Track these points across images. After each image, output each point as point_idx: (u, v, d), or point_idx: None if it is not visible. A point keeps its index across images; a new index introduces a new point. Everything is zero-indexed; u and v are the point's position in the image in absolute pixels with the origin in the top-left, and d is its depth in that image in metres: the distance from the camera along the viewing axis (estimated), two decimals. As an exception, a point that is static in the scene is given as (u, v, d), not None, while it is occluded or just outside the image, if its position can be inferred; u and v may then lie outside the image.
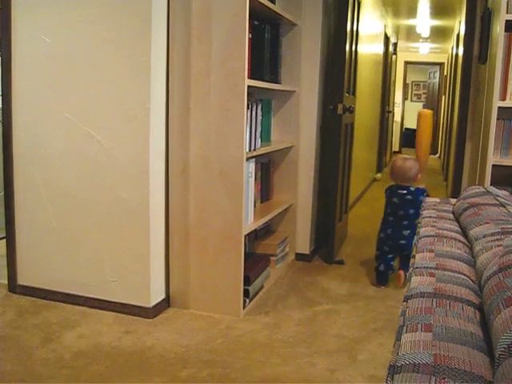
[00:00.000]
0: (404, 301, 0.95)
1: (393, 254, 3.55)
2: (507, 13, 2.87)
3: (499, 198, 1.55)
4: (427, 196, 3.32)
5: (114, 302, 2.91)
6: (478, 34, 3.89)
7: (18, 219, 3.08)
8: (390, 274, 3.57)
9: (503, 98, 2.96)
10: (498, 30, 2.91)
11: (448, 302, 0.91)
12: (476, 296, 0.96)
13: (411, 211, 3.41)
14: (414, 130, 14.65)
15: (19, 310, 2.91)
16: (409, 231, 3.43)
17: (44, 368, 2.30)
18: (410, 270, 1.14)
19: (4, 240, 3.18)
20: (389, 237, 3.51)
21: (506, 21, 2.87)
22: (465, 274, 1.08)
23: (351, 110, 4.02)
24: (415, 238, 1.43)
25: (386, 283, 3.54)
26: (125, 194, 2.82)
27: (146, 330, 2.72)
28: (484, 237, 1.22)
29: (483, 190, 1.68)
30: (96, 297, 2.95)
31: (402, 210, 3.45)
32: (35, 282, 3.08)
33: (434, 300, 0.91)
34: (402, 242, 3.45)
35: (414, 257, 1.23)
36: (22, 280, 3.12)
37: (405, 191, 3.45)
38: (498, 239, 1.16)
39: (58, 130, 2.91)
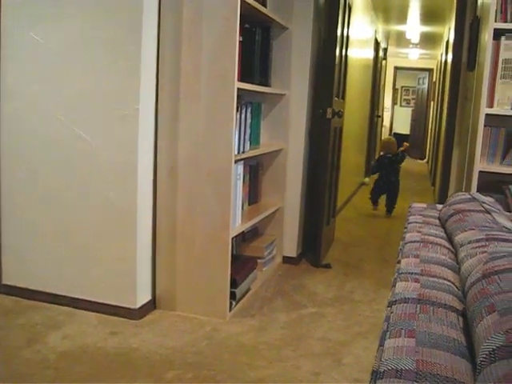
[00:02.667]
0: (388, 306, 0.96)
1: (382, 192, 6.34)
2: (495, 21, 2.89)
3: (485, 205, 1.57)
4: (405, 152, 6.58)
5: (100, 303, 2.90)
6: (467, 42, 3.92)
7: (4, 218, 3.06)
8: (378, 201, 6.44)
9: (491, 105, 2.98)
10: (487, 37, 2.93)
11: (432, 308, 0.92)
12: (460, 302, 0.97)
13: (394, 166, 6.25)
14: (403, 135, 14.76)
15: (3, 309, 2.89)
16: (393, 178, 6.23)
17: (28, 369, 2.29)
18: (396, 275, 1.15)
19: (-10, 239, 3.16)
20: (383, 182, 6.26)
21: (495, 29, 2.89)
22: (449, 280, 1.08)
23: (340, 115, 4.03)
24: (401, 243, 1.44)
25: (377, 204, 6.44)
26: (112, 194, 2.81)
27: (131, 331, 2.71)
28: (469, 243, 1.23)
29: (469, 196, 1.70)
30: (82, 297, 2.93)
31: (390, 167, 6.23)
32: (20, 282, 3.06)
33: (418, 306, 0.92)
34: (391, 185, 6.22)
35: (399, 262, 1.24)
36: (7, 280, 3.09)
37: (390, 155, 6.25)
38: (482, 246, 1.17)
39: (46, 129, 2.89)
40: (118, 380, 2.24)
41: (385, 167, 6.25)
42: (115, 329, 2.72)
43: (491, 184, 3.21)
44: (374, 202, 6.45)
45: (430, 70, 13.49)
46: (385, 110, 13.01)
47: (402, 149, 6.40)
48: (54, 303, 2.97)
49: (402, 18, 8.57)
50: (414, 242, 1.38)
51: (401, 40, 11.13)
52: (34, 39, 2.85)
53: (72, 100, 2.83)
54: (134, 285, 2.84)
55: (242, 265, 3.21)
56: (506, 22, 2.91)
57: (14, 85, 2.93)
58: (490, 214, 1.47)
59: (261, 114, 3.72)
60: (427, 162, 12.46)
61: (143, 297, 2.92)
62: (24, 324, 2.72)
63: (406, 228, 1.59)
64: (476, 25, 3.57)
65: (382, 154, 6.48)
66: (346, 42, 4.33)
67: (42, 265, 3.01)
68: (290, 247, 4.00)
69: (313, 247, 4.10)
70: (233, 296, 2.98)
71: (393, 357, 0.75)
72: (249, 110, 3.21)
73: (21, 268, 3.06)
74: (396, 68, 13.88)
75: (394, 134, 14.56)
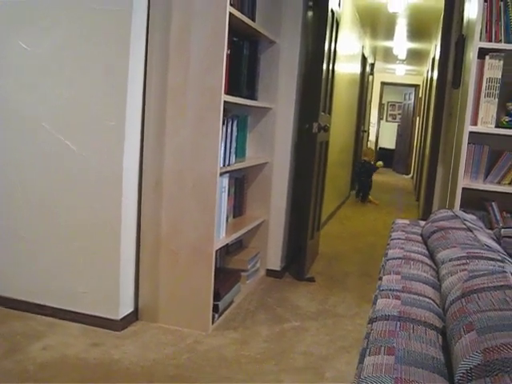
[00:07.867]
0: (369, 323, 0.97)
1: (361, 189, 8.65)
2: (480, 40, 2.94)
3: (467, 223, 1.58)
4: (377, 166, 9.09)
5: (82, 314, 2.88)
6: (453, 60, 3.97)
7: (-13, 226, 3.04)
8: (360, 196, 8.70)
9: (474, 123, 3.02)
10: (472, 56, 2.97)
11: (412, 325, 0.92)
12: (439, 320, 0.98)
13: (366, 170, 8.49)
14: (389, 150, 14.87)
15: (-16, 319, 2.86)
16: (363, 179, 8.50)
17: (7, 379, 2.26)
18: (377, 292, 1.15)
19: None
20: (362, 181, 8.50)
21: (479, 48, 2.94)
22: (430, 298, 1.09)
23: (326, 129, 4.06)
24: (383, 259, 1.45)
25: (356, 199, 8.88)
26: (97, 205, 2.80)
27: (113, 342, 2.69)
28: (450, 260, 1.24)
29: (451, 213, 1.71)
30: (64, 308, 2.91)
31: (363, 168, 8.52)
32: (1, 291, 3.03)
33: (398, 323, 0.93)
34: (364, 183, 8.50)
35: (381, 279, 1.25)
36: (-12, 288, 3.06)
37: (367, 161, 8.69)
38: (463, 263, 1.18)
39: (32, 139, 2.88)
40: (98, 392, 2.22)
41: (364, 169, 8.60)
42: (97, 340, 2.70)
43: (474, 201, 3.24)
44: (357, 195, 9.06)
45: (416, 86, 13.63)
46: (371, 124, 13.11)
47: (376, 164, 9.10)
48: (35, 313, 2.94)
49: (389, 34, 8.66)
50: (396, 258, 1.38)
51: (388, 56, 11.25)
52: (22, 47, 2.84)
53: (59, 109, 2.82)
54: (117, 296, 2.82)
55: (225, 277, 3.20)
56: (490, 41, 2.95)
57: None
58: (471, 231, 1.49)
59: (247, 127, 3.73)
60: (412, 177, 12.55)
61: (126, 308, 2.90)
62: (4, 334, 2.69)
63: (388, 244, 1.60)
64: (461, 43, 3.62)
65: (362, 159, 9.07)
66: (333, 57, 4.36)
67: (24, 274, 2.99)
68: (274, 260, 4.00)
69: (297, 261, 4.10)
70: (215, 309, 2.97)
71: (372, 374, 0.76)
72: (235, 123, 3.23)
73: (2, 277, 3.03)
74: (383, 83, 14.00)
75: (380, 148, 14.69)
